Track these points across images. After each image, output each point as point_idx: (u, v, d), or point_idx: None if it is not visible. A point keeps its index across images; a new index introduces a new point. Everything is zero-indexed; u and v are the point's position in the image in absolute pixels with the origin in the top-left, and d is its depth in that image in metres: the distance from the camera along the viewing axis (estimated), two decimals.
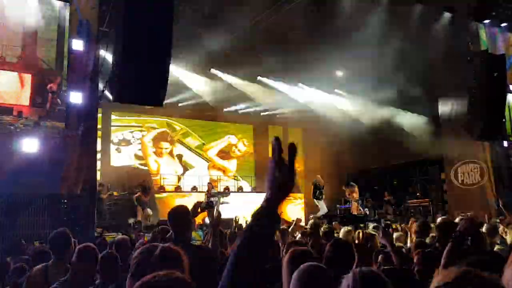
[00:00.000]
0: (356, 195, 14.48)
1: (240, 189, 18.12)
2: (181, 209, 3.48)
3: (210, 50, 12.78)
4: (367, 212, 14.79)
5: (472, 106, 12.14)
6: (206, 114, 18.47)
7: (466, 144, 13.33)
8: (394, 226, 9.25)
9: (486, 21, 13.96)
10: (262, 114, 19.34)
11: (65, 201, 8.42)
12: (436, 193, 14.96)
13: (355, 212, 14.19)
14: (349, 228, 5.68)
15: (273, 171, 1.29)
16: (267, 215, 1.27)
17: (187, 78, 15.78)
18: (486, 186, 13.50)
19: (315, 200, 14.33)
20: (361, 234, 4.10)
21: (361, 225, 10.89)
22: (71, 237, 3.79)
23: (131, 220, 11.88)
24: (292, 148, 1.30)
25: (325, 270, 2.00)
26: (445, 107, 14.44)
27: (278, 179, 1.28)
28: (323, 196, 14.34)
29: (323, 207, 14.00)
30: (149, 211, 13.05)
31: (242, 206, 13.97)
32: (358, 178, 16.54)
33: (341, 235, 5.28)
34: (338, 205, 14.92)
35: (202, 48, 12.78)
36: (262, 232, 1.25)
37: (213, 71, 16.06)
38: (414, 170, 17.31)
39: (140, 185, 13.61)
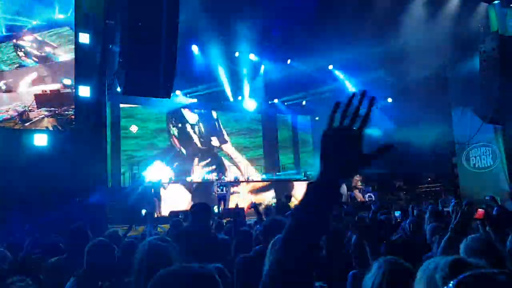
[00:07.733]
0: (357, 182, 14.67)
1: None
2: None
3: None
4: (372, 198, 14.81)
5: (483, 88, 11.96)
6: None
7: (478, 127, 13.18)
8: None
9: (496, 2, 13.69)
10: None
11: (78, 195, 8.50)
12: (447, 178, 14.80)
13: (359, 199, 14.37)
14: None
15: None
16: (322, 193, 0.98)
17: None
18: (498, 170, 13.35)
19: None
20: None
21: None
22: (89, 234, 3.86)
23: (144, 211, 11.90)
24: (374, 99, 0.99)
25: None
26: (455, 90, 14.27)
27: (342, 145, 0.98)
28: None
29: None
30: None
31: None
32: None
33: None
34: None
35: None
36: (312, 215, 0.97)
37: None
38: (425, 155, 17.09)
39: None
